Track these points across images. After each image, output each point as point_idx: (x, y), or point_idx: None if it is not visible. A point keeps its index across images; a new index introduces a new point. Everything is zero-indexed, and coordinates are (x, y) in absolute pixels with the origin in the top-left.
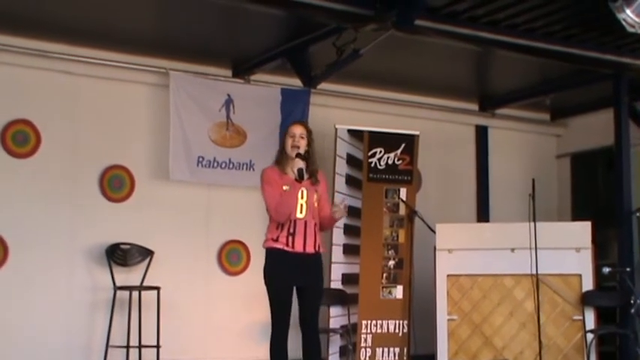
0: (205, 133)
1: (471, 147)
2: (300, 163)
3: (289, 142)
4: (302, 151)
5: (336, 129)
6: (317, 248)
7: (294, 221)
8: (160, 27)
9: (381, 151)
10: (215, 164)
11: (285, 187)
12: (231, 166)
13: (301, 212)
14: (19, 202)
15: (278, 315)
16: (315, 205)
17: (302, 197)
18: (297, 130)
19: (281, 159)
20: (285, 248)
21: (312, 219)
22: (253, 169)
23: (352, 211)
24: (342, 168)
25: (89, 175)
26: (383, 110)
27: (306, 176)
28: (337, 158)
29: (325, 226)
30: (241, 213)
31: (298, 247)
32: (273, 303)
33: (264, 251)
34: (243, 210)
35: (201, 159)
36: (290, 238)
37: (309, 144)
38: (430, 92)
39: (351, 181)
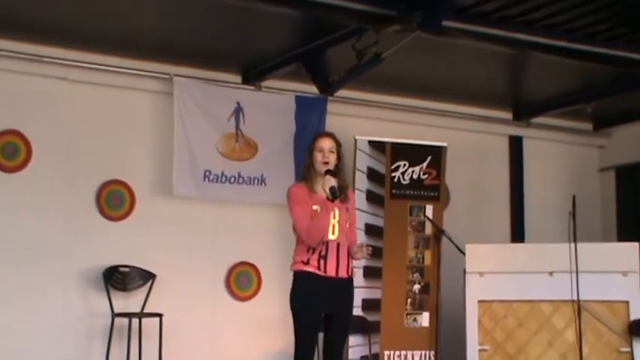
0: (213, 145)
1: (504, 159)
2: (332, 181)
3: (318, 157)
4: (332, 166)
5: (355, 140)
6: (350, 272)
7: (327, 243)
8: (164, 28)
9: (405, 165)
10: (223, 179)
11: (315, 207)
12: (240, 180)
13: (333, 233)
14: (7, 220)
15: (304, 343)
16: (347, 225)
17: (334, 217)
18: (326, 143)
19: (309, 175)
20: (317, 272)
21: (345, 240)
22: (265, 184)
23: (374, 231)
24: (362, 183)
25: (85, 190)
26: (407, 119)
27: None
28: (357, 172)
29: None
30: (252, 232)
31: (331, 271)
32: (301, 331)
33: (280, 276)
34: (253, 229)
35: (208, 173)
36: (322, 262)
37: (339, 158)
38: (459, 99)
39: (372, 197)
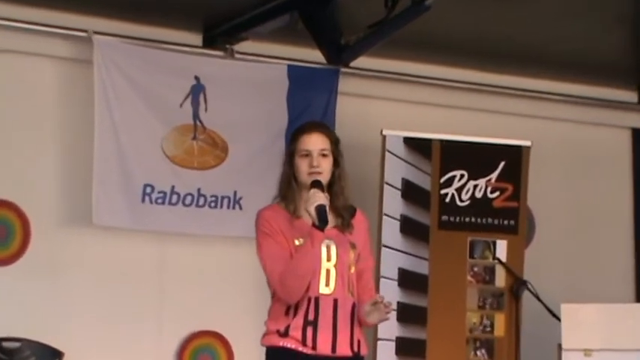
0: (156, 145)
1: (624, 165)
2: (318, 196)
3: (302, 164)
4: (324, 177)
5: (383, 137)
6: (356, 348)
7: (316, 300)
8: None
9: (462, 176)
10: (174, 199)
11: (297, 242)
12: (201, 201)
13: (328, 284)
14: None
15: None
16: (352, 269)
17: (328, 258)
18: (314, 142)
19: (289, 192)
20: (301, 349)
21: (348, 295)
22: (239, 207)
23: (413, 281)
24: (393, 205)
25: None
26: (465, 104)
27: (332, 220)
28: (385, 187)
29: (361, 321)
30: (219, 284)
31: (323, 347)
32: None
33: (261, 351)
34: (221, 279)
35: (149, 190)
36: (309, 332)
37: (337, 163)
38: (548, 73)
39: (410, 227)
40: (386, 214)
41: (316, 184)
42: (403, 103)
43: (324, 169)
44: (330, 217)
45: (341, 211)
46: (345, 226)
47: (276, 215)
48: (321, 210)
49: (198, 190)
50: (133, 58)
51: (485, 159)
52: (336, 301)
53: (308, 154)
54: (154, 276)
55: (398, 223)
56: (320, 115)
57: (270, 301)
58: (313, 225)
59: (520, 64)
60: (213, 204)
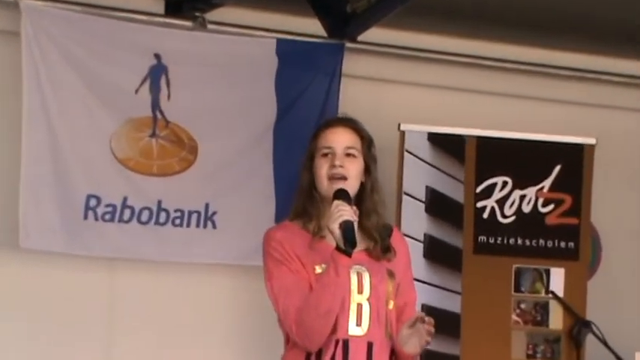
0: (104, 144)
1: None
2: (345, 211)
3: (321, 164)
4: (351, 185)
5: (401, 132)
6: None
7: (345, 344)
8: None
9: (505, 184)
10: (126, 214)
11: (319, 269)
12: (163, 218)
13: (359, 323)
14: None
15: None
16: (390, 305)
17: (360, 289)
18: (339, 136)
19: (309, 205)
20: None
21: (385, 338)
22: (213, 225)
23: (441, 322)
24: (414, 221)
25: None
26: (508, 90)
27: (362, 242)
28: (404, 199)
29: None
30: (186, 326)
31: None
32: None
33: None
34: (190, 319)
35: (93, 203)
36: None
37: (368, 170)
38: (615, 50)
39: (435, 250)
40: (405, 234)
41: (341, 194)
42: (427, 89)
43: (351, 173)
44: (359, 238)
45: (373, 232)
46: (380, 250)
47: (291, 236)
48: (347, 228)
49: (159, 202)
50: (74, 30)
51: (535, 162)
52: (370, 345)
53: (330, 153)
54: (101, 314)
55: (421, 246)
56: (319, 105)
57: (283, 348)
58: (337, 248)
59: (577, 38)
60: (178, 221)
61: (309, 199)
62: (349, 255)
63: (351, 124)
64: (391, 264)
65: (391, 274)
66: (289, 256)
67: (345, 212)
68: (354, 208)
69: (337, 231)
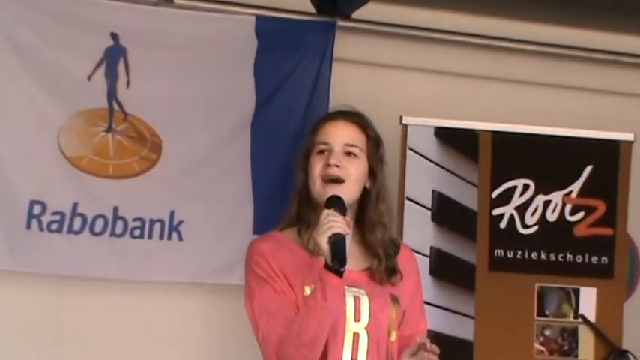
0: (51, 140)
1: None
2: (335, 222)
3: (316, 162)
4: (349, 190)
5: (403, 126)
6: None
7: None
8: None
9: (527, 188)
10: (76, 223)
11: (307, 290)
12: (119, 228)
13: (355, 355)
14: None
15: None
16: (392, 336)
17: (357, 316)
18: (339, 130)
19: (302, 211)
20: None
21: None
22: (179, 236)
23: (450, 351)
24: (419, 231)
25: None
26: (530, 77)
27: (362, 260)
28: (407, 205)
29: None
30: (147, 356)
31: None
32: None
33: None
34: (152, 348)
35: (37, 210)
36: None
37: (373, 174)
38: None
39: (443, 266)
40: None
41: (333, 201)
42: (434, 75)
43: (349, 175)
44: (360, 255)
45: (378, 249)
46: (384, 270)
47: (279, 249)
48: (336, 242)
49: (115, 210)
50: (13, 4)
51: (562, 161)
52: None
53: (327, 150)
54: (48, 339)
55: (427, 261)
56: (306, 94)
57: None
58: (326, 266)
59: (614, 16)
60: (137, 232)
61: (304, 205)
62: (340, 274)
63: (355, 118)
64: (396, 288)
65: (395, 300)
66: (274, 274)
67: (335, 223)
68: (348, 218)
69: (325, 245)
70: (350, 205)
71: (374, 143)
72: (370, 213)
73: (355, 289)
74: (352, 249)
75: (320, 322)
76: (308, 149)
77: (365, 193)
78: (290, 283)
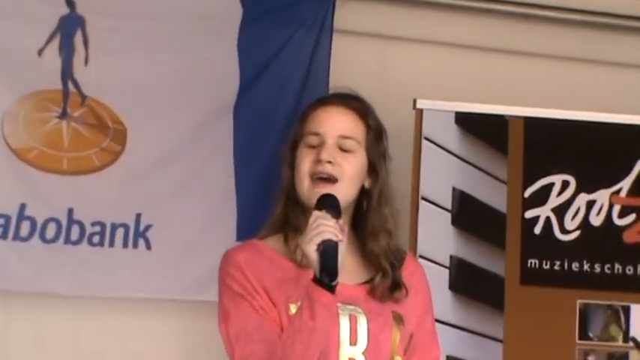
0: None
1: None
2: (326, 226)
3: (304, 156)
4: (344, 190)
5: (418, 111)
6: None
7: None
8: None
9: (566, 185)
10: (24, 228)
11: (293, 308)
12: (74, 233)
13: None
14: None
15: None
16: None
17: (353, 339)
18: (333, 118)
19: (288, 214)
20: None
21: None
22: (147, 244)
23: None
24: (436, 237)
25: None
26: (570, 50)
27: (360, 272)
28: (422, 205)
29: None
30: None
31: None
32: None
33: None
34: None
35: None
36: None
37: (374, 170)
38: None
39: (467, 280)
40: (423, 257)
41: (325, 202)
42: (453, 50)
43: (344, 172)
44: (357, 267)
45: (382, 259)
46: (387, 285)
47: (259, 261)
48: (326, 251)
49: (70, 212)
50: None
51: (609, 154)
52: None
53: (317, 142)
54: None
55: (446, 274)
56: (300, 74)
57: None
58: (315, 280)
59: None
60: (96, 238)
61: (292, 207)
62: (331, 289)
63: (353, 104)
64: (400, 305)
65: (399, 319)
66: (253, 289)
67: (326, 228)
68: (341, 222)
69: (313, 254)
70: (344, 208)
71: (375, 134)
72: (372, 217)
73: (351, 307)
74: (348, 260)
75: (307, 346)
76: (296, 140)
77: (363, 194)
78: (272, 300)
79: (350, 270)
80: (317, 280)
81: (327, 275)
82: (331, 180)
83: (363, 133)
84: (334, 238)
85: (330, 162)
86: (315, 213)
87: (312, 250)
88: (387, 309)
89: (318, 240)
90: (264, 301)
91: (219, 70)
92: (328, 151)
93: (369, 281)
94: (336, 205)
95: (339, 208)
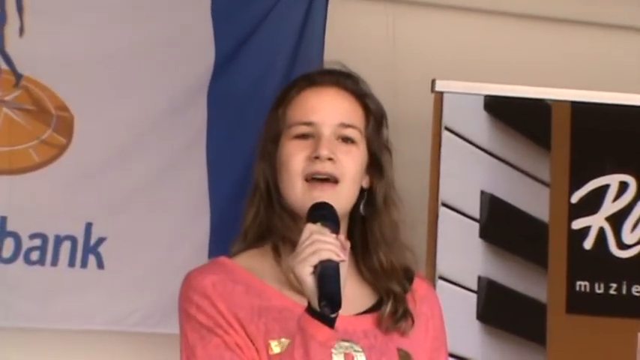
0: None
1: None
2: (324, 244)
3: (294, 150)
4: (345, 195)
5: (437, 94)
6: None
7: None
8: None
9: (625, 187)
10: None
11: (275, 346)
12: (9, 250)
13: None
14: None
15: None
16: None
17: None
18: (329, 106)
19: (268, 225)
20: None
21: None
22: (98, 261)
23: None
24: (461, 252)
25: None
26: (624, 20)
27: (359, 298)
28: (442, 212)
29: None
30: None
31: None
32: None
33: None
34: None
35: None
36: None
37: (378, 166)
38: None
39: (499, 306)
40: (444, 278)
41: (319, 212)
42: (483, 18)
43: (347, 170)
44: (354, 293)
45: (384, 280)
46: (397, 320)
47: (231, 286)
48: (325, 274)
49: (2, 221)
50: None
51: None
52: None
53: (309, 134)
54: None
55: (474, 298)
56: (290, 44)
57: None
58: (310, 310)
59: None
60: (36, 255)
61: (269, 216)
62: (331, 324)
63: (349, 83)
64: (406, 339)
65: (406, 357)
66: (226, 322)
67: (323, 246)
68: (342, 237)
69: (308, 279)
70: (341, 217)
71: (376, 120)
72: (374, 226)
73: (346, 344)
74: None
75: None
76: (277, 131)
77: (363, 196)
78: (248, 335)
79: (345, 296)
80: (312, 311)
81: (328, 304)
82: (331, 181)
83: (363, 119)
84: (335, 258)
85: (330, 158)
86: (309, 227)
87: (306, 274)
88: (392, 346)
89: (315, 261)
90: (240, 336)
91: (189, 41)
92: (328, 146)
93: (372, 310)
94: (334, 216)
95: (337, 220)
